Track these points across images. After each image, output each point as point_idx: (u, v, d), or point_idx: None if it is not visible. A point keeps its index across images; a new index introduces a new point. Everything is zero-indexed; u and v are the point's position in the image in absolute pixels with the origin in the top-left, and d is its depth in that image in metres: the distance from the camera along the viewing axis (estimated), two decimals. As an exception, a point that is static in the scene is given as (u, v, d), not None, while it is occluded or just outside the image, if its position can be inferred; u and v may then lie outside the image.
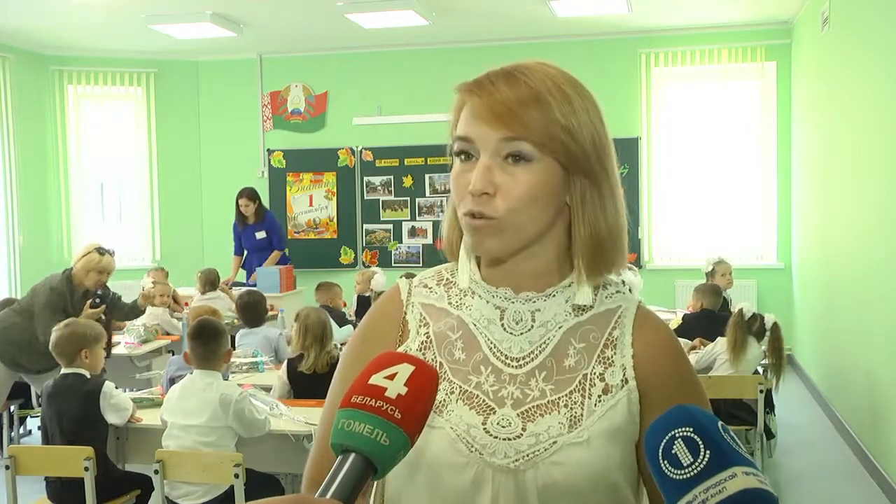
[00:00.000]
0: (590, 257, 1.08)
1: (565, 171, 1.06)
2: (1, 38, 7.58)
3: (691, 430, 0.75)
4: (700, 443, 0.74)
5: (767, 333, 4.45)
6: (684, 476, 0.74)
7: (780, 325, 4.49)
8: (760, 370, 4.71)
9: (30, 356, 4.70)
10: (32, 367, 4.75)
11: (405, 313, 1.16)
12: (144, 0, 6.47)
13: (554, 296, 1.11)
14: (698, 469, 0.73)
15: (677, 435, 0.75)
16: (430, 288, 1.18)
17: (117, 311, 5.11)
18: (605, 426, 1.05)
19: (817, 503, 4.45)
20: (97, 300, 4.78)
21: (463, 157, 1.07)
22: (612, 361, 1.09)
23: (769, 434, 4.67)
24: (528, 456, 1.03)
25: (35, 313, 4.68)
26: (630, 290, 1.23)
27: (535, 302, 1.11)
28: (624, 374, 1.09)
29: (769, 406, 4.72)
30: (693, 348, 4.75)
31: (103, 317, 4.82)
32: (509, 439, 1.05)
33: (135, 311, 5.27)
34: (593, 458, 1.03)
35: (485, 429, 1.05)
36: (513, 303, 1.11)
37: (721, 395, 4.16)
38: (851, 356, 5.26)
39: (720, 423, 0.77)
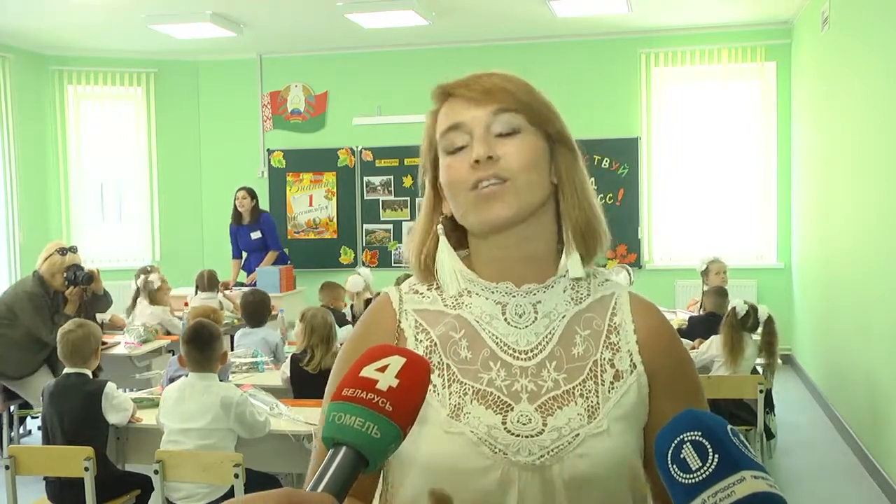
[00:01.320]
0: (582, 228, 1.12)
1: (549, 145, 1.12)
2: (1, 38, 7.57)
3: (700, 434, 0.75)
4: (709, 447, 0.74)
5: (761, 328, 4.43)
6: (693, 480, 0.74)
7: (775, 319, 4.47)
8: (760, 370, 4.71)
9: (9, 363, 4.72)
10: (14, 373, 4.76)
11: (399, 322, 1.15)
12: (144, 0, 6.46)
13: (553, 286, 1.13)
14: (707, 473, 0.73)
15: (686, 439, 0.75)
16: (420, 293, 1.17)
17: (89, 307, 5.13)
18: (621, 413, 1.08)
19: (817, 503, 4.44)
20: (68, 284, 4.86)
21: (452, 151, 1.11)
22: (619, 347, 1.12)
23: (769, 434, 4.67)
24: (552, 451, 1.04)
25: (28, 325, 4.69)
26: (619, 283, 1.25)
27: (535, 294, 1.13)
28: (631, 359, 1.11)
29: (769, 406, 4.71)
30: (692, 349, 4.75)
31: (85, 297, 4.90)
32: (531, 436, 1.05)
33: (104, 299, 5.29)
34: (615, 446, 1.05)
35: (505, 428, 1.05)
36: (514, 296, 1.13)
37: (721, 395, 4.15)
38: (851, 356, 5.26)
39: (729, 426, 0.77)
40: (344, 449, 0.75)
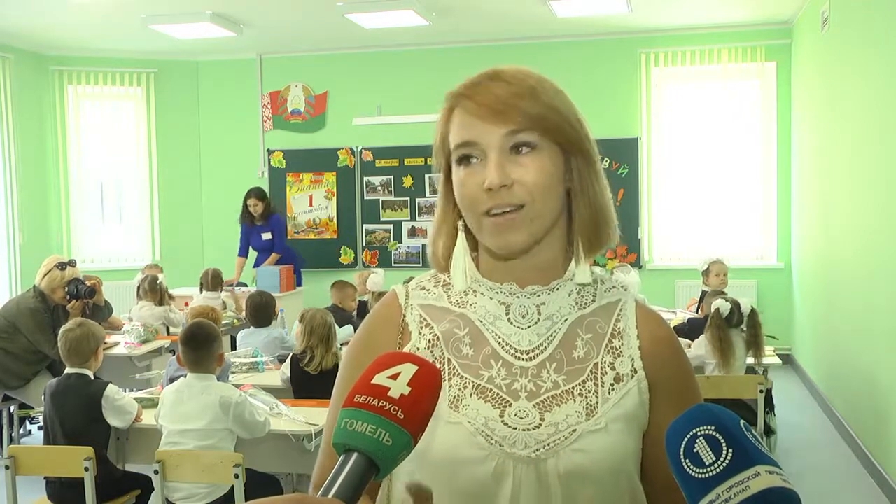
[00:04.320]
0: (589, 234, 1.12)
1: (564, 154, 1.10)
2: (1, 38, 7.57)
3: (713, 428, 0.75)
4: (722, 441, 0.74)
5: (745, 319, 4.42)
6: (707, 475, 0.73)
7: (773, 317, 4.45)
8: (761, 370, 4.71)
9: (9, 373, 4.76)
10: (14, 383, 4.81)
11: (404, 316, 1.16)
12: (144, 0, 6.47)
13: (558, 289, 1.14)
14: (721, 468, 0.73)
15: (699, 433, 0.75)
16: (427, 290, 1.18)
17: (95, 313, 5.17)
18: (620, 413, 1.08)
19: (817, 503, 4.44)
20: (70, 298, 4.92)
21: (465, 163, 1.09)
22: (621, 352, 1.12)
23: (769, 431, 4.66)
24: (548, 445, 1.05)
25: (31, 340, 4.74)
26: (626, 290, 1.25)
27: (539, 296, 1.13)
28: (633, 365, 1.11)
29: (769, 406, 4.72)
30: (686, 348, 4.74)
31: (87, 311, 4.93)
32: (528, 430, 1.06)
33: (106, 310, 5.33)
34: (612, 444, 1.06)
35: (503, 421, 1.06)
36: (518, 297, 1.13)
37: (721, 395, 4.15)
38: (851, 356, 5.26)
39: (742, 421, 0.76)
40: (355, 455, 0.75)
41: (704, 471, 0.73)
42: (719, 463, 0.73)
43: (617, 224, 1.15)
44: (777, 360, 4.91)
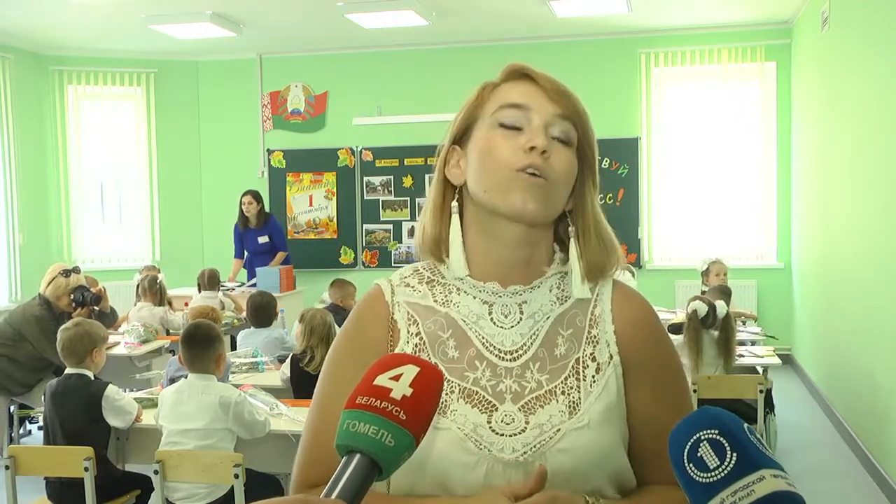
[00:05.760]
0: (596, 261, 1.15)
1: (579, 169, 1.14)
2: (1, 38, 7.57)
3: (717, 432, 0.74)
4: (726, 445, 0.73)
5: (720, 322, 4.41)
6: (711, 479, 0.73)
7: (734, 313, 4.46)
8: (761, 370, 4.72)
9: (12, 381, 4.78)
10: (17, 390, 4.84)
11: (392, 313, 1.17)
12: (144, 0, 6.46)
13: (539, 287, 1.15)
14: (725, 472, 0.72)
15: (703, 437, 0.75)
16: (412, 287, 1.19)
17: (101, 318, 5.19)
18: (602, 406, 1.09)
19: (817, 503, 4.44)
20: (75, 305, 4.93)
21: (504, 129, 1.12)
22: (598, 339, 1.13)
23: (770, 404, 4.63)
24: (534, 447, 1.06)
25: (37, 347, 4.76)
26: None
27: (521, 294, 1.15)
28: (609, 350, 1.13)
29: (769, 406, 4.72)
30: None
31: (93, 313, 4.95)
32: (515, 434, 1.07)
33: (111, 316, 5.35)
34: (596, 439, 1.07)
35: (490, 427, 1.08)
36: (500, 297, 1.14)
37: (720, 395, 4.15)
38: (852, 356, 5.26)
39: (745, 425, 0.76)
40: (358, 456, 0.75)
41: (709, 475, 0.73)
42: (724, 467, 0.72)
43: (620, 251, 1.18)
44: (777, 360, 4.92)
